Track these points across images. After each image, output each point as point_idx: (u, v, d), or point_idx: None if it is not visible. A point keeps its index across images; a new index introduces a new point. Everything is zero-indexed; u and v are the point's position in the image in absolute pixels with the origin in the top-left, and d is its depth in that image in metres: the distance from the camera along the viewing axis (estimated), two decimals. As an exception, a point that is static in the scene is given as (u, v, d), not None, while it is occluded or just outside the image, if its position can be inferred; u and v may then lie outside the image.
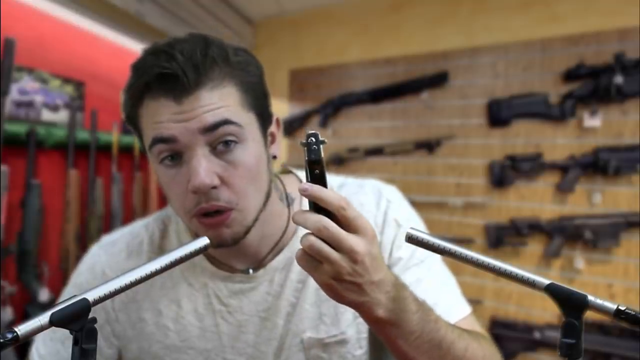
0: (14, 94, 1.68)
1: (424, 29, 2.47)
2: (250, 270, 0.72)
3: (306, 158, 0.51)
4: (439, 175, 2.44)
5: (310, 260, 0.51)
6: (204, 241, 0.49)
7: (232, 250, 0.68)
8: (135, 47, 2.34)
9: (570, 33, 2.12)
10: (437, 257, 0.75)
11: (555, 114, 2.14)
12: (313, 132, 0.50)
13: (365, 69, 2.64)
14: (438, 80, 2.42)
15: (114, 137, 2.10)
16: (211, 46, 0.59)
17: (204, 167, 0.57)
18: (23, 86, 1.73)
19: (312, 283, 0.70)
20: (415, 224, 0.75)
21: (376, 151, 2.56)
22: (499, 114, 2.26)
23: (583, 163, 2.08)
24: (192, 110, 0.57)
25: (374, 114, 2.62)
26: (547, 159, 2.18)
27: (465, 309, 0.73)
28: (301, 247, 0.51)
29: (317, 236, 0.49)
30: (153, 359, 0.73)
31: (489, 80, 2.32)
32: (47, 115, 1.83)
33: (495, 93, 2.29)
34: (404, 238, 0.68)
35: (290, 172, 0.81)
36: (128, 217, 2.18)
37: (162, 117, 0.58)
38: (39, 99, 1.79)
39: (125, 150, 2.22)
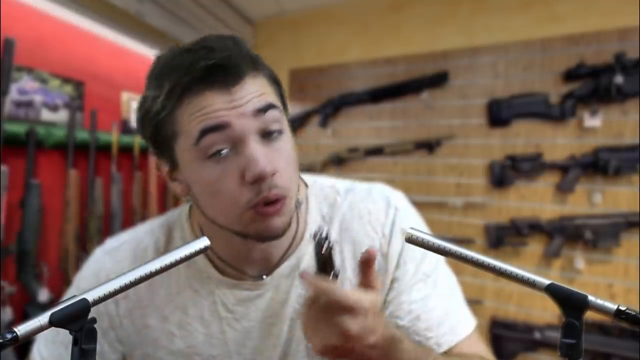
0: (13, 93, 1.68)
1: (424, 29, 2.47)
2: (264, 277, 0.71)
3: (317, 254, 0.54)
4: (439, 175, 2.44)
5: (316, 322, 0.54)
6: (204, 242, 0.49)
7: (250, 252, 0.68)
8: (135, 47, 2.34)
9: (571, 33, 2.12)
10: (443, 268, 0.75)
11: (556, 114, 2.14)
12: (323, 231, 0.54)
13: (365, 69, 2.64)
14: (438, 80, 2.42)
15: (114, 137, 2.10)
16: (239, 42, 0.61)
17: (263, 153, 0.57)
18: (23, 86, 1.73)
19: None
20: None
21: (376, 151, 2.56)
22: (499, 114, 2.26)
23: (583, 163, 2.08)
24: (242, 97, 0.58)
25: (374, 114, 2.62)
26: (547, 159, 2.18)
27: (470, 325, 0.72)
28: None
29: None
30: (130, 345, 0.73)
31: (489, 80, 2.32)
32: (46, 115, 1.83)
33: (496, 93, 2.29)
34: (412, 247, 0.69)
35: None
36: (128, 217, 2.18)
37: (212, 107, 0.57)
38: (38, 98, 1.79)
39: (125, 150, 2.22)
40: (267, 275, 0.71)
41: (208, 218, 0.65)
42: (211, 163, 0.59)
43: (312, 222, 0.73)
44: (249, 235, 0.63)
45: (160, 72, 0.60)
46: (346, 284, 0.70)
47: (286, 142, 0.62)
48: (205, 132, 0.57)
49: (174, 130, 0.60)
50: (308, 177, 0.79)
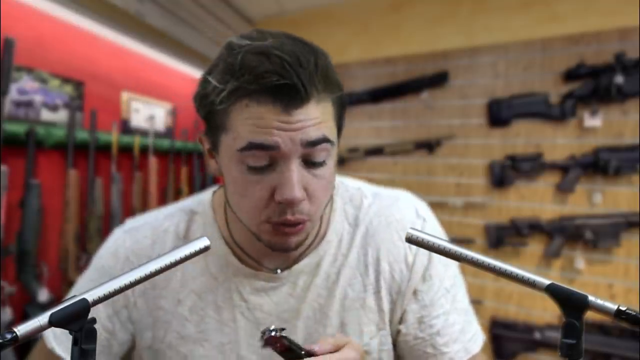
0: (13, 93, 1.68)
1: (424, 29, 2.47)
2: (278, 270, 0.71)
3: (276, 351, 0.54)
4: (439, 175, 2.44)
5: None
6: (204, 242, 0.49)
7: (268, 248, 0.69)
8: (135, 47, 2.34)
9: (571, 33, 2.12)
10: (460, 283, 0.76)
11: (556, 113, 2.14)
12: (270, 329, 0.52)
13: (365, 69, 2.64)
14: (438, 80, 2.42)
15: (114, 137, 2.10)
16: (318, 55, 0.58)
17: (298, 181, 0.57)
18: (22, 86, 1.73)
19: (338, 292, 0.71)
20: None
21: (376, 151, 2.56)
22: (499, 114, 2.26)
23: (583, 163, 2.08)
24: (300, 122, 0.56)
25: (374, 113, 2.62)
26: (547, 159, 2.18)
27: (480, 342, 0.74)
28: None
29: None
30: (167, 349, 0.72)
31: (489, 80, 2.32)
32: (46, 115, 1.83)
33: (496, 93, 2.29)
34: (436, 262, 0.71)
35: None
36: (127, 218, 2.18)
37: (266, 122, 0.56)
38: (38, 98, 1.79)
39: (125, 150, 2.22)
40: (283, 270, 0.71)
41: (232, 209, 0.66)
42: (249, 171, 0.59)
43: (337, 222, 0.74)
44: (262, 241, 0.64)
45: (230, 65, 0.57)
46: (369, 290, 0.71)
47: (328, 170, 0.62)
48: (252, 146, 0.57)
49: (224, 124, 0.59)
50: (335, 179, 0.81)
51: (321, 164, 0.60)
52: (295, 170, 0.57)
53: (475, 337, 0.73)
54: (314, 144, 0.57)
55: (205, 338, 0.72)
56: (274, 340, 0.52)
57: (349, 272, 0.72)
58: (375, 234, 0.73)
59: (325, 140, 0.58)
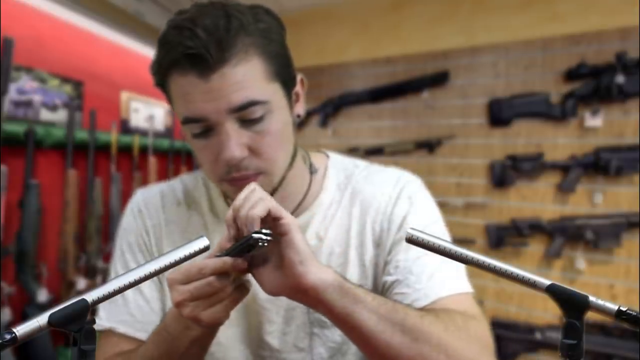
0: (12, 93, 1.68)
1: (424, 28, 2.47)
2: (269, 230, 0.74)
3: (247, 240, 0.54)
4: (439, 175, 2.44)
5: None
6: (203, 242, 0.50)
7: None
8: (134, 47, 2.33)
9: (572, 32, 2.12)
10: (448, 240, 0.74)
11: (557, 113, 2.13)
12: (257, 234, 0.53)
13: (365, 69, 2.64)
14: (438, 79, 2.41)
15: (113, 136, 2.10)
16: (232, 18, 0.59)
17: (234, 141, 0.61)
18: (21, 86, 1.72)
19: (325, 249, 0.74)
20: (429, 207, 0.77)
21: (376, 151, 2.56)
22: (499, 114, 2.26)
23: (584, 163, 2.08)
24: (219, 89, 0.59)
25: (374, 113, 2.61)
26: (548, 159, 2.17)
27: (463, 286, 0.70)
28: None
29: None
30: (167, 300, 0.75)
31: (489, 79, 2.31)
32: (45, 114, 1.83)
33: (496, 93, 2.29)
34: (417, 215, 0.73)
35: (320, 152, 0.85)
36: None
37: (191, 95, 0.60)
38: (37, 98, 1.79)
39: (124, 150, 2.21)
40: None
41: None
42: (195, 138, 0.64)
43: (329, 188, 0.78)
44: (229, 198, 0.70)
45: (158, 41, 0.63)
46: (352, 245, 0.74)
47: (271, 122, 0.63)
48: (187, 120, 0.62)
49: (169, 96, 0.66)
50: (331, 152, 0.84)
51: (259, 120, 0.62)
52: (230, 133, 0.61)
53: (457, 279, 0.70)
54: (239, 109, 0.60)
55: None
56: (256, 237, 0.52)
57: (335, 229, 0.75)
58: (361, 192, 0.77)
59: (251, 103, 0.60)
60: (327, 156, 0.83)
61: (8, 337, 0.36)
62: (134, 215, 0.80)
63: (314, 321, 0.73)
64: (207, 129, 0.62)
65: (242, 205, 0.55)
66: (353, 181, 0.78)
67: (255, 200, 0.55)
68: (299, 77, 0.71)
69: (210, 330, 0.60)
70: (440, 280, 0.68)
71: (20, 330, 0.37)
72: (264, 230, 0.53)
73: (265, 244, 0.53)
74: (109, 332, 0.74)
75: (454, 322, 0.61)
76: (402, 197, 0.76)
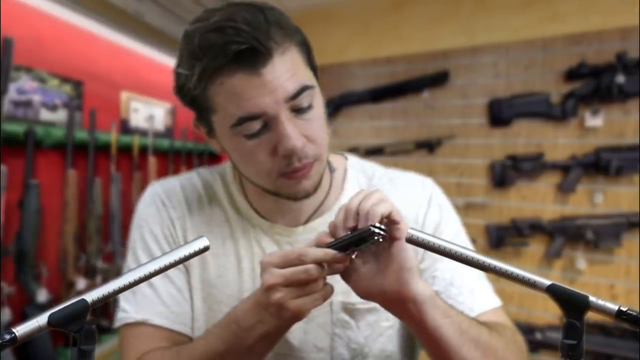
0: (12, 93, 1.67)
1: (424, 28, 2.47)
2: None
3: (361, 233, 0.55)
4: (439, 175, 2.43)
5: None
6: (203, 242, 0.50)
7: (281, 206, 0.73)
8: (134, 47, 2.33)
9: (572, 32, 2.12)
10: (470, 247, 0.77)
11: (557, 113, 2.13)
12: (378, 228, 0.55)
13: (366, 68, 2.64)
14: (439, 79, 2.41)
15: (113, 136, 2.10)
16: (265, 11, 0.61)
17: (294, 131, 0.61)
18: (21, 85, 1.72)
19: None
20: (456, 216, 0.80)
21: (376, 151, 2.56)
22: (500, 114, 2.26)
23: (584, 163, 2.08)
24: (273, 80, 0.59)
25: (375, 113, 2.61)
26: (548, 159, 2.17)
27: (497, 300, 0.75)
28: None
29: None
30: (192, 290, 0.75)
31: (490, 79, 2.31)
32: (45, 114, 1.82)
33: (496, 92, 2.29)
34: (448, 223, 0.75)
35: (338, 153, 0.85)
36: (127, 218, 2.17)
37: (246, 94, 0.59)
38: (37, 98, 1.78)
39: (124, 150, 2.21)
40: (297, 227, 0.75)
41: (244, 176, 0.71)
42: (247, 139, 0.63)
43: (350, 189, 0.78)
44: (281, 196, 0.68)
45: (192, 52, 0.60)
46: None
47: (316, 110, 0.65)
48: (242, 120, 0.61)
49: (210, 106, 0.63)
50: (349, 154, 0.85)
51: (309, 108, 0.63)
52: (288, 123, 0.61)
53: (492, 294, 0.75)
54: (295, 95, 0.60)
55: (225, 284, 0.74)
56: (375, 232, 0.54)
57: None
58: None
59: (304, 88, 0.61)
60: (346, 158, 0.83)
61: (8, 337, 0.36)
62: (157, 206, 0.78)
63: (336, 322, 0.72)
64: (263, 125, 0.61)
65: (366, 199, 0.56)
66: (375, 184, 0.79)
67: (379, 198, 0.56)
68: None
69: (286, 324, 0.59)
70: (481, 294, 0.73)
71: (20, 330, 0.37)
72: (382, 227, 0.54)
73: (380, 240, 0.54)
74: (141, 325, 0.71)
75: (508, 337, 0.67)
76: (432, 204, 0.78)
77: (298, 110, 0.62)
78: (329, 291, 0.58)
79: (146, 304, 0.72)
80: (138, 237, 0.77)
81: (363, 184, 0.79)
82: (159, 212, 0.77)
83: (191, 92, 0.62)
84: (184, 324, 0.72)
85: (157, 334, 0.71)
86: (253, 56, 0.57)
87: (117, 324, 0.74)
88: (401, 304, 0.57)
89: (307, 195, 0.68)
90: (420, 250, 0.72)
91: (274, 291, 0.54)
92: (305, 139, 0.63)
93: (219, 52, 0.57)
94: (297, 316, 0.56)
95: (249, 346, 0.59)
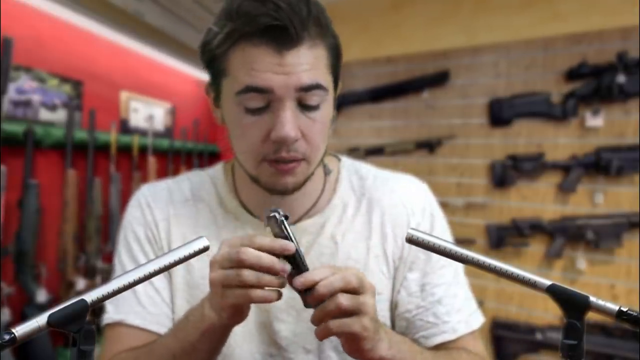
0: (11, 93, 1.67)
1: (425, 28, 2.47)
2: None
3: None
4: (439, 175, 2.43)
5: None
6: (203, 242, 0.50)
7: (272, 204, 0.70)
8: (134, 47, 2.33)
9: (573, 32, 2.12)
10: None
11: (557, 113, 2.13)
12: (276, 209, 0.55)
13: (366, 68, 2.64)
14: (439, 79, 2.41)
15: (113, 136, 2.09)
16: (310, 3, 0.61)
17: (291, 120, 0.61)
18: (21, 85, 1.72)
19: (341, 252, 0.73)
20: (446, 224, 0.80)
21: (376, 151, 2.56)
22: (500, 114, 2.26)
23: (585, 163, 2.08)
24: (293, 66, 0.59)
25: (375, 113, 2.61)
26: (548, 159, 2.17)
27: (480, 319, 0.76)
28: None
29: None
30: (175, 291, 0.75)
31: (490, 79, 2.31)
32: (45, 114, 1.82)
33: (497, 92, 2.29)
34: (440, 231, 0.75)
35: (332, 154, 0.85)
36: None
37: (261, 65, 0.59)
38: (36, 98, 1.78)
39: (124, 150, 2.21)
40: None
41: (236, 156, 0.71)
42: (246, 113, 0.63)
43: (343, 190, 0.78)
44: (260, 184, 0.68)
45: (228, 12, 0.61)
46: (372, 251, 0.74)
47: (324, 112, 0.65)
48: (249, 89, 0.61)
49: (224, 68, 0.64)
50: (342, 156, 0.85)
51: (315, 108, 0.63)
52: (289, 111, 0.61)
53: (476, 314, 0.76)
54: (307, 89, 0.61)
55: (208, 284, 0.73)
56: (275, 221, 0.54)
57: (354, 235, 0.75)
58: (379, 200, 0.77)
59: (318, 86, 0.62)
60: (339, 159, 0.83)
61: (7, 337, 0.36)
62: (142, 208, 0.79)
63: None
64: (265, 104, 0.62)
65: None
66: (369, 186, 0.79)
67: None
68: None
69: (228, 322, 0.59)
70: (466, 316, 0.73)
71: (20, 330, 0.37)
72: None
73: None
74: (118, 325, 0.73)
75: None
76: (425, 213, 0.77)
77: (304, 106, 0.62)
78: (275, 297, 0.57)
79: (124, 305, 0.73)
80: (122, 238, 0.79)
81: (356, 186, 0.79)
82: (144, 214, 0.78)
83: (213, 50, 0.63)
84: (161, 324, 0.72)
85: (132, 334, 0.72)
86: (282, 36, 0.58)
87: (102, 324, 0.75)
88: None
89: (286, 191, 0.67)
90: (409, 259, 0.74)
91: (214, 287, 0.56)
92: (301, 135, 0.63)
93: (251, 20, 0.58)
94: (235, 316, 0.58)
95: (193, 343, 0.61)
